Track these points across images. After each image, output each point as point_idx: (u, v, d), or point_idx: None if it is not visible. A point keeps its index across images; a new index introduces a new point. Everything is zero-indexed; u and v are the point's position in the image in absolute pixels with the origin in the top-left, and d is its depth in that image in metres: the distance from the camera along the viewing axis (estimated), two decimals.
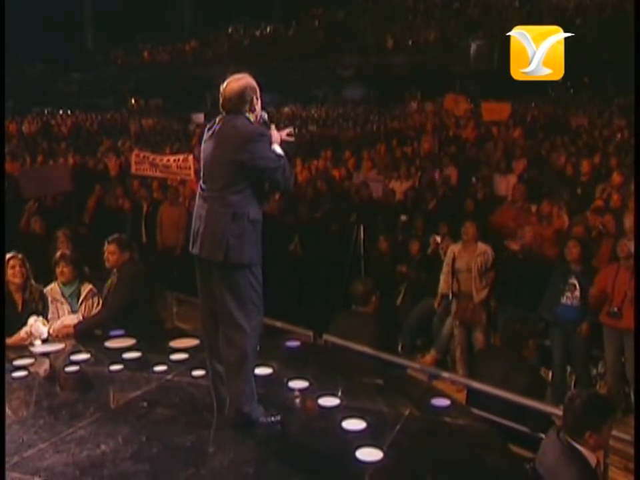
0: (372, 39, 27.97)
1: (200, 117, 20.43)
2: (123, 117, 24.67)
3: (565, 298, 5.31)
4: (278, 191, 3.12)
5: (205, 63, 30.01)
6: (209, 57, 31.17)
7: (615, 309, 4.97)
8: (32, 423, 3.31)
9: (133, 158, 8.36)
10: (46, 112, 26.59)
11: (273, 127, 3.26)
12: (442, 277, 5.80)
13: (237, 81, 3.14)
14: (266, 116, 3.27)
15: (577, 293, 5.26)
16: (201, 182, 3.24)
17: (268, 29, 32.16)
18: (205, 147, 3.23)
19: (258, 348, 3.21)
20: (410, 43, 26.95)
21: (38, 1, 26.57)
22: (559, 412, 3.41)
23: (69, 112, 26.69)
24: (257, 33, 32.36)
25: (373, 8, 29.92)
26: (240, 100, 3.11)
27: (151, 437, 3.13)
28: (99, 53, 34.23)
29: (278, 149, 3.20)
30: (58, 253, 4.98)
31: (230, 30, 33.25)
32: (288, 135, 3.39)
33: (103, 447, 3.06)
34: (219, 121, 3.19)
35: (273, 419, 3.20)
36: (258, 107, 3.17)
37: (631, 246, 4.76)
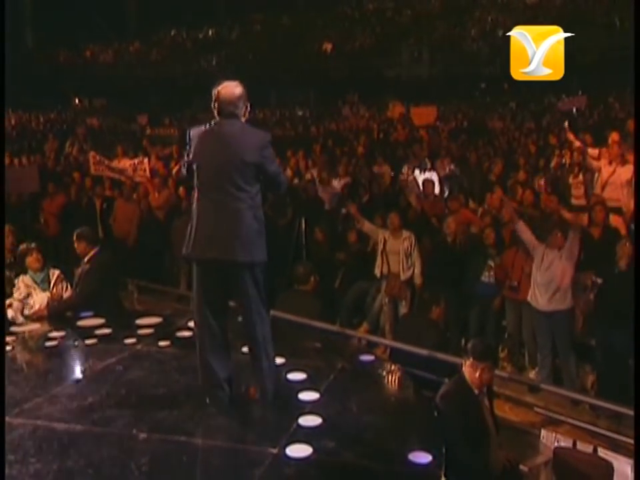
0: (312, 44, 28.82)
1: (144, 118, 20.62)
2: (68, 116, 24.50)
3: (483, 277, 6.22)
4: (278, 192, 3.65)
5: (149, 64, 30.09)
6: (152, 58, 31.24)
7: (515, 284, 5.86)
8: (25, 384, 3.85)
9: (91, 159, 8.83)
10: None
11: None
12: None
13: (235, 87, 3.33)
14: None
15: (493, 272, 6.16)
16: (201, 184, 3.30)
17: (210, 32, 32.48)
18: (204, 149, 3.29)
19: None
20: (347, 48, 27.95)
21: None
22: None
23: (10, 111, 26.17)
24: (200, 36, 32.65)
25: (313, 15, 30.82)
26: (238, 105, 3.31)
27: (130, 391, 3.74)
28: (39, 52, 33.63)
29: None
30: (24, 245, 5.49)
31: (172, 32, 33.38)
32: None
33: (90, 399, 3.63)
34: (216, 124, 3.32)
35: None
36: (247, 113, 3.42)
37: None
